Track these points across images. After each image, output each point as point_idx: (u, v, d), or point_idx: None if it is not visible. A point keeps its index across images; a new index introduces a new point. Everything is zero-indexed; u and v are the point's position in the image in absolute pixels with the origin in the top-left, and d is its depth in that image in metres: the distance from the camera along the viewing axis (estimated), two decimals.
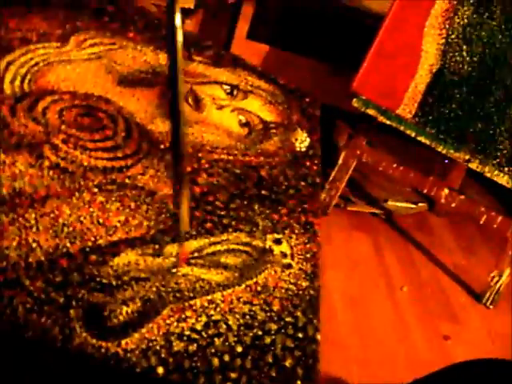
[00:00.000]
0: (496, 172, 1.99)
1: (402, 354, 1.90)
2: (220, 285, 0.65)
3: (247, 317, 0.63)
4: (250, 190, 0.80)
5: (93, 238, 0.65)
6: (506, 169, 1.99)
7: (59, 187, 0.69)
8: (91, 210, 0.68)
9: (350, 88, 2.10)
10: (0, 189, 0.66)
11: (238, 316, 0.63)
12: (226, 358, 0.58)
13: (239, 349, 0.60)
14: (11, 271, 0.58)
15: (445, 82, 2.03)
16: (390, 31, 2.02)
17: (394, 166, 2.22)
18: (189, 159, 0.81)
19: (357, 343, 1.87)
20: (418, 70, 2.04)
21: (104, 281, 0.60)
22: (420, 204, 2.60)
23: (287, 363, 0.60)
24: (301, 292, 0.68)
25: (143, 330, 0.58)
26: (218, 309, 0.62)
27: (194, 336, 0.59)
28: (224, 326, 0.61)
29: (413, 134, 2.08)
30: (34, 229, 0.63)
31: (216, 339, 0.60)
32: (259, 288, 0.67)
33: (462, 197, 2.17)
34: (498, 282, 2.20)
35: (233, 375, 0.57)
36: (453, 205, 2.18)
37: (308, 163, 0.90)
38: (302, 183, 0.85)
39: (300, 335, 0.63)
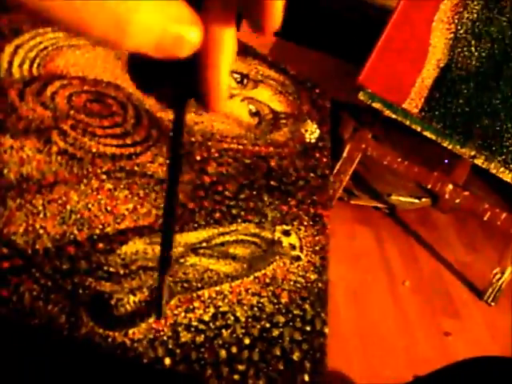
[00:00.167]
0: (502, 169, 1.99)
1: (402, 348, 1.90)
2: (228, 276, 0.64)
3: (255, 309, 0.62)
4: (259, 181, 0.79)
5: (100, 226, 0.64)
6: None
7: (67, 173, 0.68)
8: (99, 197, 0.67)
9: (357, 81, 2.09)
10: (7, 174, 0.65)
11: (246, 308, 0.62)
12: (234, 349, 0.58)
13: (247, 341, 0.59)
14: (18, 258, 0.57)
15: (452, 78, 2.02)
16: (398, 25, 2.01)
17: (399, 160, 2.22)
18: (199, 148, 0.80)
19: (357, 337, 1.87)
20: (425, 65, 2.03)
21: (111, 269, 0.60)
22: (424, 199, 2.59)
23: (295, 356, 0.60)
24: (309, 285, 0.68)
25: (150, 320, 0.57)
26: (226, 300, 0.62)
27: (202, 327, 0.58)
28: (232, 318, 0.60)
29: (418, 129, 2.08)
30: (42, 215, 0.62)
31: (224, 331, 0.59)
32: (268, 280, 0.66)
33: (467, 193, 2.16)
34: (500, 279, 2.20)
35: (240, 367, 0.56)
36: (457, 201, 2.18)
37: (317, 155, 0.89)
38: (312, 175, 0.84)
39: (308, 328, 0.63)
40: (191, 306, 0.60)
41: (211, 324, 0.59)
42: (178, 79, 0.31)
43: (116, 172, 0.71)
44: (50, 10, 0.23)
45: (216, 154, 0.81)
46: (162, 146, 0.78)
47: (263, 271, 0.67)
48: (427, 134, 2.02)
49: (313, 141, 0.92)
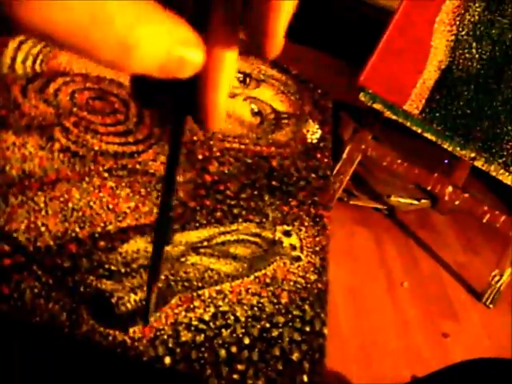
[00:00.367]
0: (501, 171, 1.99)
1: (400, 349, 1.90)
2: (229, 275, 0.64)
3: (255, 308, 0.62)
4: (260, 181, 0.79)
5: (102, 224, 0.64)
6: None
7: (69, 171, 0.68)
8: (101, 194, 0.67)
9: (358, 82, 2.09)
10: (10, 170, 0.65)
11: (246, 307, 0.62)
12: (234, 349, 0.58)
13: (246, 341, 0.59)
14: (19, 255, 0.57)
15: (453, 79, 2.02)
16: (400, 26, 2.01)
17: (399, 161, 2.22)
18: (200, 147, 0.80)
19: (356, 338, 1.87)
20: (426, 66, 2.03)
21: (113, 267, 0.60)
22: (423, 201, 2.60)
23: (294, 357, 0.60)
24: (309, 285, 0.68)
25: (151, 319, 0.57)
26: (227, 300, 0.62)
27: (202, 326, 0.58)
28: (232, 318, 0.60)
29: (419, 130, 2.08)
30: (43, 212, 0.62)
31: (224, 330, 0.59)
32: (268, 280, 0.66)
33: (466, 195, 2.16)
34: (498, 281, 2.20)
35: (240, 367, 0.57)
36: (456, 203, 2.18)
37: (319, 155, 0.89)
38: (313, 175, 0.84)
39: (307, 329, 0.63)
40: (191, 305, 0.60)
41: (211, 323, 0.59)
42: (177, 96, 0.32)
43: (118, 170, 0.71)
44: (59, 36, 0.23)
45: (218, 153, 0.81)
46: (164, 145, 0.78)
47: (263, 271, 0.67)
48: (428, 135, 2.02)
49: (314, 141, 0.92)
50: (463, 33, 1.97)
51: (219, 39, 0.30)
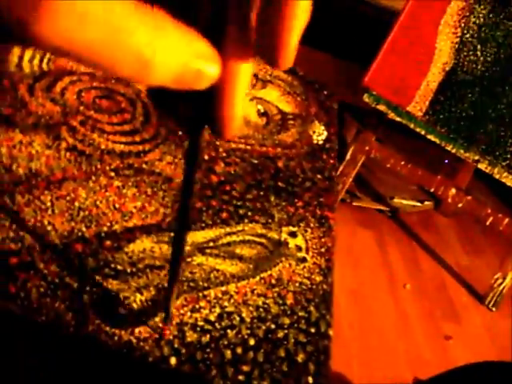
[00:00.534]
0: (505, 174, 1.99)
1: (402, 351, 1.90)
2: (234, 276, 0.64)
3: (261, 309, 0.62)
4: (266, 181, 0.79)
5: (108, 223, 0.64)
6: None
7: (76, 170, 0.68)
8: (107, 194, 0.67)
9: (362, 83, 2.09)
10: (16, 169, 0.65)
11: (251, 308, 0.62)
12: (239, 350, 0.58)
13: (252, 342, 0.59)
14: (26, 254, 0.57)
15: (457, 81, 2.02)
16: (405, 27, 2.01)
17: (402, 163, 2.21)
18: (206, 147, 0.80)
19: (358, 339, 1.87)
20: (430, 68, 2.03)
21: (119, 267, 0.60)
22: (426, 202, 2.59)
23: (299, 358, 0.60)
24: (314, 287, 0.67)
25: (157, 319, 0.57)
26: (232, 300, 0.62)
27: (208, 327, 0.58)
28: (237, 318, 0.60)
29: (422, 132, 2.07)
30: (50, 211, 0.62)
31: (229, 331, 0.59)
32: (273, 281, 0.66)
33: (469, 197, 2.16)
34: (501, 284, 2.20)
35: (245, 368, 0.56)
36: (459, 205, 2.18)
37: (325, 156, 0.89)
38: (319, 176, 0.84)
39: (313, 330, 0.63)
40: (197, 306, 0.60)
41: (217, 324, 0.59)
42: (194, 107, 0.33)
43: (124, 169, 0.71)
44: (77, 53, 0.24)
45: (224, 154, 0.81)
46: (171, 144, 0.78)
47: (269, 272, 0.67)
48: (431, 137, 2.02)
49: (320, 142, 0.92)
50: (468, 35, 1.97)
51: (234, 52, 0.30)
